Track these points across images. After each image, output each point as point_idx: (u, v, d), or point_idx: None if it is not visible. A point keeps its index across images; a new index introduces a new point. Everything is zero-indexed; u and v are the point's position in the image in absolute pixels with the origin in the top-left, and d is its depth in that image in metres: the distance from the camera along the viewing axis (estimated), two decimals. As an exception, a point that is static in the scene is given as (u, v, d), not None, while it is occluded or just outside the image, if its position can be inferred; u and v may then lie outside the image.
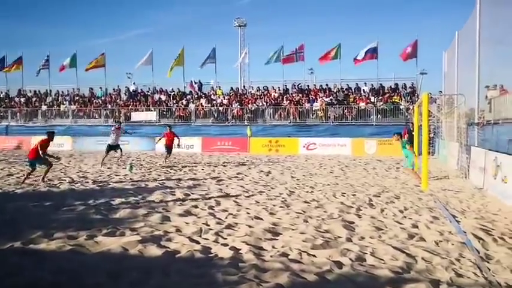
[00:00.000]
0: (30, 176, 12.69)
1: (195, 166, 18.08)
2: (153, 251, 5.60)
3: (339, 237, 6.40)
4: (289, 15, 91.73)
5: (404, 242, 6.17)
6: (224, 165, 18.52)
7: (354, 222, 7.37)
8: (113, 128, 19.14)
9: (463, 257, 5.44)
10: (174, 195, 10.34)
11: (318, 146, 27.11)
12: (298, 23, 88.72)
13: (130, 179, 13.49)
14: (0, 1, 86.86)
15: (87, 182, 12.57)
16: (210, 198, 9.87)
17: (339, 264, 5.12)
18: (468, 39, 16.85)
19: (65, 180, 13.04)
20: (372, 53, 31.23)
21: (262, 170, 16.36)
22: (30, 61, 38.52)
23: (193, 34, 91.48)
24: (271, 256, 5.42)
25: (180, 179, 13.46)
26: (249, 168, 17.10)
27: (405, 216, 7.94)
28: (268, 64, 34.07)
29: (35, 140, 31.95)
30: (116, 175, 14.44)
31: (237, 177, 14.23)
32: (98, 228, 6.72)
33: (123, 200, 9.49)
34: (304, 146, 27.40)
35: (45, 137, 13.44)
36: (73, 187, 11.63)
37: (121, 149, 18.70)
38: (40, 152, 12.73)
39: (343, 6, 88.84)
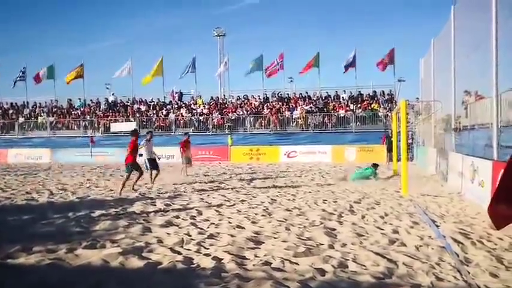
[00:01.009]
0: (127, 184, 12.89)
1: (176, 176, 17.97)
2: (135, 262, 5.53)
3: (321, 244, 6.42)
4: (268, 24, 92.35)
5: (386, 247, 6.22)
6: (205, 175, 18.47)
7: (335, 229, 7.40)
8: (143, 142, 14.97)
9: (443, 261, 5.50)
10: (155, 205, 10.26)
11: (298, 154, 27.28)
12: (277, 32, 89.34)
13: (110, 190, 13.35)
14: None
15: (67, 195, 12.39)
16: (191, 208, 9.82)
17: (322, 272, 5.13)
18: (444, 47, 17.16)
19: (44, 192, 12.83)
20: (352, 61, 31.66)
21: (243, 179, 16.36)
22: (5, 71, 37.94)
23: (172, 44, 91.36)
24: (253, 265, 5.40)
25: (160, 190, 13.35)
26: (230, 177, 17.09)
27: (386, 222, 8.01)
28: (249, 75, 34.20)
29: (11, 152, 31.55)
30: (96, 187, 14.27)
31: (218, 186, 14.20)
32: (78, 241, 6.61)
33: (103, 211, 9.37)
34: (285, 154, 27.56)
35: (131, 138, 13.31)
36: (52, 200, 11.45)
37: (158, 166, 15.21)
38: (133, 154, 12.99)
39: (321, 14, 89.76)
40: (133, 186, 13.10)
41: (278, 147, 28.18)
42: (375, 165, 16.00)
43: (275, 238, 6.79)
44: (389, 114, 28.54)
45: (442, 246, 6.17)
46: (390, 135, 22.03)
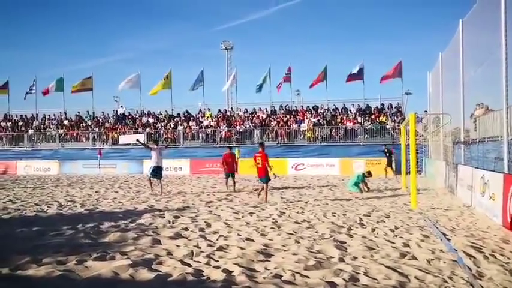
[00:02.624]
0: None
1: (184, 188, 17.98)
2: (145, 275, 5.51)
3: (331, 257, 6.38)
4: (275, 38, 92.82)
5: (397, 261, 6.16)
6: (213, 187, 18.46)
7: (345, 242, 7.36)
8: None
9: (456, 275, 5.44)
10: (164, 217, 10.25)
11: (306, 167, 27.23)
12: (284, 45, 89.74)
13: (119, 202, 13.37)
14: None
15: (75, 206, 12.42)
16: (200, 220, 9.80)
17: (333, 285, 5.08)
18: (452, 60, 17.15)
19: (53, 204, 12.87)
20: (358, 74, 31.66)
21: (251, 191, 16.33)
22: (16, 85, 38.52)
23: (179, 57, 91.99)
24: (264, 278, 5.37)
25: (169, 202, 13.36)
26: (239, 190, 17.06)
27: (396, 235, 7.95)
28: (260, 91, 34.31)
29: (21, 164, 31.71)
30: (104, 198, 14.29)
31: (226, 198, 14.18)
32: (87, 253, 6.60)
33: (112, 223, 9.38)
34: (292, 167, 27.50)
35: (260, 150, 13.37)
36: (61, 211, 11.48)
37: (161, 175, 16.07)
38: (268, 166, 13.06)
39: (328, 27, 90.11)
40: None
41: (285, 160, 28.10)
42: (368, 173, 16.33)
43: (285, 251, 6.75)
44: (397, 127, 28.46)
45: (454, 260, 6.11)
46: (387, 149, 22.27)
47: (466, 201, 11.86)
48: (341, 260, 6.23)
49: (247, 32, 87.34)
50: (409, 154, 20.85)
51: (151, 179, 16.00)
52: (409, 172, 19.43)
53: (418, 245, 7.13)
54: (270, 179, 13.49)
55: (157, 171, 15.81)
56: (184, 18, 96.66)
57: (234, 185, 16.88)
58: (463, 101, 15.13)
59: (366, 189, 15.98)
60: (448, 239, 7.48)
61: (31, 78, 38.55)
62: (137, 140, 17.83)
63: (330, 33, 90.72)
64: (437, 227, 8.58)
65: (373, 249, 6.85)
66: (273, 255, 6.49)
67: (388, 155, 22.38)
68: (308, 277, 5.41)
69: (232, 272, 5.63)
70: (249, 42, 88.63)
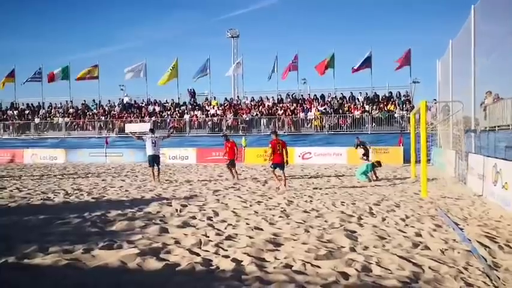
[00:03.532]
0: None
1: (191, 177, 17.91)
2: (153, 264, 5.41)
3: (342, 247, 6.25)
4: (282, 26, 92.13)
5: (409, 250, 6.03)
6: (220, 176, 18.37)
7: (356, 232, 7.23)
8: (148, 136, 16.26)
9: (471, 266, 5.31)
10: (171, 206, 10.16)
11: (313, 155, 27.06)
12: (290, 34, 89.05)
13: (126, 190, 13.31)
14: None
15: (82, 195, 12.35)
16: (207, 209, 9.70)
17: (345, 275, 4.96)
18: (462, 48, 16.90)
19: (59, 193, 12.81)
20: (367, 62, 31.33)
21: (258, 180, 16.23)
22: (23, 74, 38.32)
23: (185, 45, 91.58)
24: (274, 268, 5.25)
25: (176, 190, 13.28)
26: (245, 178, 16.97)
27: (407, 225, 7.81)
28: (270, 79, 34.19)
29: (27, 153, 31.75)
30: (111, 187, 14.23)
31: (233, 187, 14.08)
32: (94, 242, 6.52)
33: (119, 212, 9.29)
34: (299, 156, 27.33)
35: (276, 138, 13.85)
36: (68, 200, 11.41)
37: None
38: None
39: (336, 15, 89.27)
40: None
41: (292, 149, 27.85)
42: (378, 163, 16.02)
43: (295, 240, 6.63)
44: (405, 115, 28.20)
45: (468, 250, 5.97)
46: (360, 141, 21.31)
47: (477, 191, 11.69)
48: (352, 249, 6.10)
49: (254, 20, 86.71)
50: (418, 143, 20.74)
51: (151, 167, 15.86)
52: (418, 161, 19.32)
53: (430, 234, 6.99)
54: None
55: (153, 160, 15.70)
56: (190, 7, 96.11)
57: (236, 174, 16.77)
58: (474, 89, 14.92)
59: (375, 178, 15.83)
60: (461, 229, 7.32)
61: (37, 67, 38.45)
62: (130, 132, 18.33)
63: (338, 22, 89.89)
64: (449, 217, 8.43)
65: (385, 239, 6.72)
66: (283, 245, 6.37)
67: (362, 146, 21.78)
68: (319, 267, 5.29)
69: (242, 261, 5.52)
70: (255, 30, 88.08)
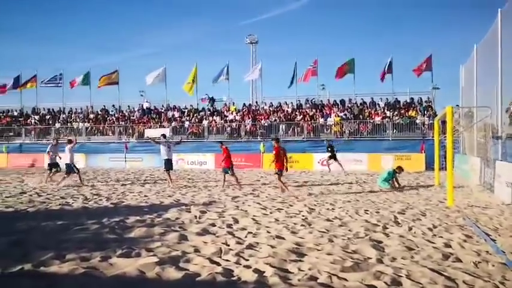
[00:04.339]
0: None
1: (209, 183, 17.74)
2: (172, 273, 5.21)
3: (369, 258, 5.98)
4: (301, 32, 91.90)
5: (440, 263, 5.73)
6: (238, 182, 18.13)
7: (382, 242, 6.94)
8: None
9: (508, 280, 5.00)
10: (190, 212, 9.99)
11: (333, 162, 26.63)
12: (309, 39, 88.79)
13: (145, 196, 13.19)
14: (15, 23, 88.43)
15: (101, 200, 12.26)
16: (227, 216, 9.50)
17: (374, 289, 4.70)
18: (488, 52, 16.46)
19: (78, 198, 12.74)
20: (388, 68, 30.97)
21: (277, 187, 15.96)
22: (43, 79, 38.59)
23: (204, 51, 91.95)
24: (298, 280, 5.00)
25: (194, 196, 13.12)
26: (264, 184, 16.73)
27: (435, 235, 7.49)
28: (291, 86, 33.97)
29: (48, 157, 31.96)
30: (130, 192, 14.13)
31: (252, 193, 13.86)
32: (112, 249, 6.35)
33: (138, 218, 9.14)
34: (318, 162, 26.96)
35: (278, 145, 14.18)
36: (86, 205, 11.32)
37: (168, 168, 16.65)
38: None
39: (356, 21, 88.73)
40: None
41: (311, 155, 27.61)
42: (399, 169, 15.72)
43: (318, 250, 6.38)
44: (427, 121, 27.70)
45: (503, 263, 5.65)
46: (329, 144, 23.56)
47: (505, 199, 11.26)
48: (379, 261, 5.82)
49: (273, 26, 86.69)
50: (442, 149, 20.29)
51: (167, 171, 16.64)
52: (442, 168, 18.88)
53: (461, 245, 6.67)
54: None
55: (170, 164, 16.57)
56: (209, 13, 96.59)
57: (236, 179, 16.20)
58: (501, 95, 14.46)
59: (397, 186, 15.46)
60: (493, 240, 6.98)
61: (58, 73, 38.85)
62: (148, 137, 18.59)
63: (357, 27, 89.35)
64: (478, 227, 8.08)
65: (413, 250, 6.43)
66: (306, 255, 6.12)
67: (330, 149, 23.24)
68: (346, 280, 5.03)
69: (264, 272, 5.29)
70: (274, 36, 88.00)
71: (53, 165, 18.18)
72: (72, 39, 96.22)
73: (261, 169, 26.45)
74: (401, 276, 5.13)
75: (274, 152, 14.13)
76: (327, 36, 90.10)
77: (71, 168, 17.01)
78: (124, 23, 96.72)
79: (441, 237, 7.33)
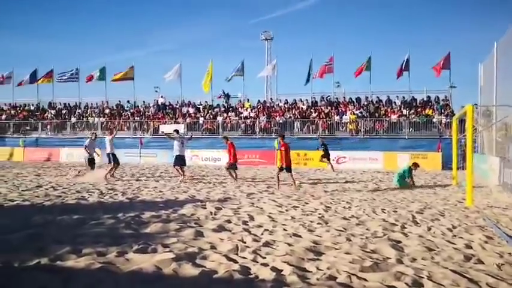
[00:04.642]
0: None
1: (224, 179, 17.69)
2: (189, 270, 5.15)
3: (388, 258, 5.86)
4: (317, 29, 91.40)
5: (462, 264, 5.60)
6: (253, 179, 18.09)
7: (401, 242, 6.81)
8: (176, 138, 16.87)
9: (533, 284, 4.85)
10: (205, 208, 9.94)
11: (348, 160, 26.49)
12: (325, 36, 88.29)
13: (160, 191, 13.18)
14: (31, 19, 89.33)
15: (116, 195, 12.28)
16: (242, 212, 9.43)
17: (395, 290, 4.59)
18: (508, 50, 16.14)
19: (94, 192, 12.78)
20: (405, 65, 30.65)
21: (292, 184, 15.85)
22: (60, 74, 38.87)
23: (219, 48, 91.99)
24: (317, 279, 4.91)
25: (209, 192, 13.08)
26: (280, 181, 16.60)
27: (455, 235, 7.34)
28: (307, 83, 33.78)
29: (63, 152, 32.24)
30: (145, 187, 14.14)
31: (267, 191, 13.78)
32: (128, 244, 6.32)
33: (153, 213, 9.12)
34: (334, 160, 26.74)
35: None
36: (102, 200, 11.33)
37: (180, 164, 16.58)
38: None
39: (372, 17, 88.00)
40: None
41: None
42: (415, 165, 15.60)
43: (336, 249, 6.27)
44: (444, 120, 27.34)
45: (527, 266, 5.49)
46: (322, 142, 23.51)
47: (527, 200, 11.04)
48: (399, 261, 5.70)
49: (288, 23, 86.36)
50: (459, 149, 20.01)
51: (176, 167, 16.65)
52: (459, 168, 18.60)
53: (482, 247, 6.52)
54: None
55: (180, 160, 16.42)
56: (224, 10, 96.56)
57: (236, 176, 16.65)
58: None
59: (412, 183, 15.27)
60: (516, 242, 6.81)
61: (74, 68, 39.16)
62: (162, 132, 18.61)
63: (373, 24, 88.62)
64: (499, 228, 7.90)
65: (433, 250, 6.29)
66: (324, 254, 6.02)
67: (323, 148, 23.17)
68: (366, 280, 4.93)
69: (282, 270, 5.21)
70: (289, 33, 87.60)
71: (92, 161, 17.96)
72: (89, 36, 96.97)
73: (275, 166, 26.31)
74: (422, 277, 5.01)
75: (282, 148, 14.31)
76: (342, 33, 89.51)
77: (112, 158, 17.17)
78: (139, 20, 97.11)
79: (461, 238, 7.18)
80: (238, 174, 19.29)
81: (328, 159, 23.05)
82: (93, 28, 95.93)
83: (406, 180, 15.16)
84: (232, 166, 16.58)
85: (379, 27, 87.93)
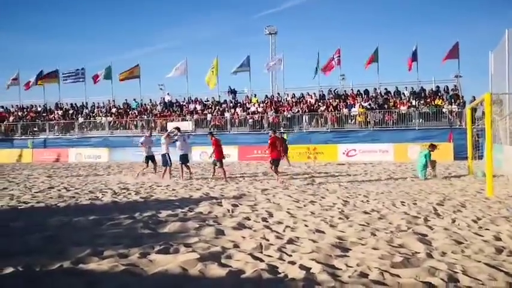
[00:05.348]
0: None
1: (235, 175, 17.56)
2: (215, 270, 5.01)
3: (417, 252, 5.70)
4: (320, 22, 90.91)
5: (494, 257, 5.43)
6: (265, 174, 17.95)
7: (427, 235, 6.64)
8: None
9: None
10: (222, 206, 9.80)
11: (358, 153, 26.29)
12: (330, 29, 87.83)
13: (173, 189, 13.06)
14: (36, 20, 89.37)
15: (130, 194, 12.16)
16: (260, 209, 9.28)
17: (431, 287, 4.43)
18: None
19: (107, 192, 12.67)
20: (413, 56, 30.34)
21: (305, 178, 15.71)
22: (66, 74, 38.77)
23: (225, 44, 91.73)
24: (349, 277, 4.76)
25: (223, 189, 12.94)
26: (292, 177, 16.47)
27: (481, 227, 7.17)
28: (315, 77, 33.55)
29: (72, 152, 32.17)
30: (158, 186, 14.02)
31: (280, 186, 13.61)
32: (149, 245, 6.18)
33: (169, 212, 8.99)
34: (343, 153, 26.62)
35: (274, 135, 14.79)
36: (116, 199, 11.22)
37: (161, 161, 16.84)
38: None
39: (378, 8, 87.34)
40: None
41: (336, 146, 27.26)
42: (432, 146, 15.38)
43: (363, 245, 6.11)
44: (454, 110, 27.05)
45: (562, 258, 5.32)
46: (280, 135, 21.40)
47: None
48: (429, 255, 5.54)
49: (292, 17, 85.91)
50: (474, 138, 19.74)
51: (183, 165, 16.47)
52: (477, 158, 18.36)
53: (512, 238, 6.35)
54: None
55: (182, 158, 16.35)
56: (228, 6, 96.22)
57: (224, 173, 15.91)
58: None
59: (432, 169, 15.10)
60: (545, 232, 6.63)
61: (80, 67, 39.12)
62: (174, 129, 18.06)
63: (380, 15, 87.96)
64: (525, 218, 7.72)
65: (462, 244, 6.12)
66: (351, 250, 5.87)
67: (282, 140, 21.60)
68: (399, 276, 4.76)
69: (311, 268, 5.05)
70: (293, 27, 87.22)
71: (150, 158, 17.57)
72: (94, 35, 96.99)
73: (284, 161, 26.15)
74: (457, 272, 4.85)
75: (269, 141, 14.52)
76: (347, 26, 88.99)
77: (166, 160, 16.61)
78: (144, 18, 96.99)
79: (488, 229, 7.00)
80: (249, 170, 19.18)
81: (286, 153, 21.67)
82: (98, 27, 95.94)
83: (427, 169, 14.97)
84: (216, 162, 16.13)
85: (384, 18, 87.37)
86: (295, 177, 16.46)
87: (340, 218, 8.10)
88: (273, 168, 14.53)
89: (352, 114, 29.48)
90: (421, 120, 27.49)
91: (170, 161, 16.57)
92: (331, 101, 31.12)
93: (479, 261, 5.21)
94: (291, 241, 6.36)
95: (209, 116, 32.90)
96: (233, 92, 36.02)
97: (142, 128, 34.14)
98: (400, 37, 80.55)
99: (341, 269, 5.05)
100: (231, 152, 28.61)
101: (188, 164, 16.75)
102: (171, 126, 31.45)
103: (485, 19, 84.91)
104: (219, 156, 16.02)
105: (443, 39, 75.08)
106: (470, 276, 4.71)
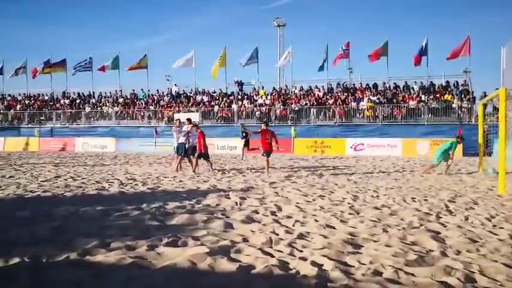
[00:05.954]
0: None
1: (242, 168, 17.45)
2: (225, 265, 4.89)
3: (431, 250, 5.56)
4: (330, 14, 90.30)
5: (511, 257, 5.28)
6: (272, 167, 17.80)
7: (440, 233, 6.49)
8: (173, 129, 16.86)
9: None
10: (229, 198, 9.69)
11: (366, 147, 26.11)
12: (339, 21, 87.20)
13: (180, 180, 12.97)
14: (44, 8, 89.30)
15: (137, 185, 12.08)
16: (268, 202, 9.16)
17: (448, 287, 4.29)
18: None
19: (114, 182, 12.59)
20: (423, 50, 29.98)
21: (313, 172, 15.57)
22: (74, 63, 38.74)
23: (233, 35, 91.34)
24: (362, 274, 4.63)
25: (230, 182, 12.83)
26: (299, 170, 16.34)
27: (495, 225, 7.01)
28: (322, 70, 33.14)
29: (79, 141, 32.18)
30: (165, 177, 13.93)
31: (289, 179, 13.48)
32: (157, 237, 6.07)
33: (177, 204, 8.88)
34: (351, 147, 26.45)
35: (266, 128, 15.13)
36: (123, 190, 11.13)
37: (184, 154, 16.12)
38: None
39: (388, 2, 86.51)
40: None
41: (344, 140, 27.09)
42: (460, 138, 15.27)
43: (375, 241, 5.98)
44: (463, 105, 26.77)
45: None
46: (244, 129, 21.07)
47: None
48: (443, 254, 5.39)
49: (301, 9, 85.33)
50: (485, 134, 19.51)
51: (191, 157, 16.12)
52: (486, 154, 18.15)
53: (528, 237, 6.19)
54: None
55: (180, 149, 15.96)
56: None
57: (211, 166, 15.95)
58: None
59: (451, 161, 15.10)
60: (563, 232, 6.46)
61: (87, 56, 39.07)
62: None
63: (391, 8, 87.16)
64: (540, 217, 7.55)
65: (477, 242, 5.97)
66: (363, 246, 5.74)
67: (245, 135, 21.43)
68: (414, 275, 4.63)
69: (323, 265, 4.93)
70: (301, 19, 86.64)
71: (181, 149, 16.19)
72: (102, 24, 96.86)
73: (291, 154, 26.05)
74: (473, 272, 4.70)
75: (260, 133, 15.10)
76: (357, 19, 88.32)
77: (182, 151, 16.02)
78: (152, 8, 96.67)
79: (502, 228, 6.84)
80: (256, 163, 19.07)
81: (246, 146, 21.59)
82: (106, 16, 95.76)
83: (449, 153, 14.85)
84: (201, 155, 15.70)
85: (395, 11, 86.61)
86: (303, 169, 16.31)
87: (350, 213, 7.96)
88: (267, 159, 15.08)
89: (360, 108, 29.26)
90: (430, 115, 27.24)
91: (185, 152, 16.04)
92: (339, 94, 30.90)
93: (496, 261, 5.07)
94: (301, 236, 6.24)
95: (216, 108, 32.78)
96: (240, 83, 35.86)
97: (149, 119, 34.09)
98: (410, 31, 79.81)
99: (354, 266, 4.93)
100: (237, 144, 28.51)
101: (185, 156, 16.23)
102: (177, 117, 31.41)
103: (497, 13, 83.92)
104: (205, 149, 15.67)
105: (455, 33, 74.30)
106: (489, 277, 4.57)
